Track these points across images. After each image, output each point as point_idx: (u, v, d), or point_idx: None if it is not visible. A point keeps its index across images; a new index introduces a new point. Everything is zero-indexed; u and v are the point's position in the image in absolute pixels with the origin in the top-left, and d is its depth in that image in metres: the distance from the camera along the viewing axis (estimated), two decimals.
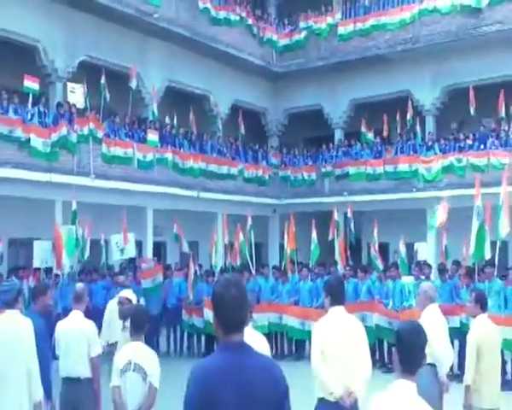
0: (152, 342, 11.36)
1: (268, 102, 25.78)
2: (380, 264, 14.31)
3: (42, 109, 15.89)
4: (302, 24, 24.75)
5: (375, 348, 12.70)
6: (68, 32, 17.59)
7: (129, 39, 19.26)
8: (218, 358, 2.83)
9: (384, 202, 20.73)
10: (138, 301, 8.05)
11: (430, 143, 20.81)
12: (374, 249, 14.85)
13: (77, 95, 16.67)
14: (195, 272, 14.90)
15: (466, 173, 19.07)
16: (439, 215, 13.58)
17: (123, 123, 18.43)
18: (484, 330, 6.06)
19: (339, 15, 23.93)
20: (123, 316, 6.71)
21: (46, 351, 6.08)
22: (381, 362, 12.64)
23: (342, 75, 23.48)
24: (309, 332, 11.18)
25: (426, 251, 16.55)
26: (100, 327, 7.69)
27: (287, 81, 25.12)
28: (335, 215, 16.74)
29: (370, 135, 22.47)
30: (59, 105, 16.54)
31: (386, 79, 22.44)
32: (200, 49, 21.41)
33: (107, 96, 17.32)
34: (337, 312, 5.12)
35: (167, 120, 20.60)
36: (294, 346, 14.14)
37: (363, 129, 22.37)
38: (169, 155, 18.98)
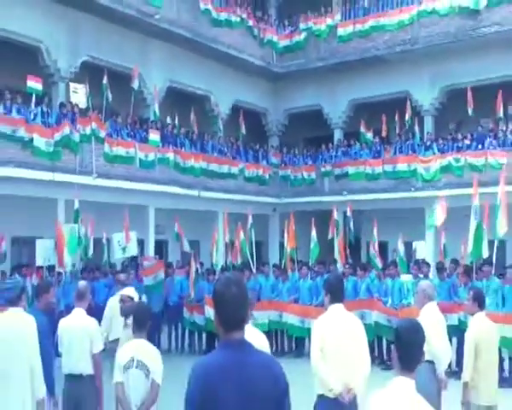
0: (153, 340, 11.36)
1: (268, 103, 25.78)
2: (379, 262, 14.30)
3: (45, 109, 15.89)
4: (302, 25, 24.74)
5: (374, 345, 12.71)
6: (71, 32, 17.60)
7: (130, 40, 19.27)
8: (218, 355, 2.83)
9: (383, 202, 20.73)
10: (140, 298, 8.03)
11: (428, 143, 20.80)
12: (373, 248, 14.85)
13: (79, 95, 16.70)
14: (197, 270, 14.90)
15: (464, 173, 19.07)
16: (439, 215, 13.57)
17: (125, 123, 18.44)
18: (482, 328, 6.06)
19: (338, 17, 23.93)
20: (124, 314, 6.71)
21: (49, 348, 6.08)
22: (379, 359, 12.63)
23: (342, 76, 23.48)
24: (309, 330, 11.16)
25: (424, 250, 16.53)
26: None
27: (287, 82, 25.12)
28: (335, 214, 16.73)
29: (369, 135, 22.47)
30: (62, 105, 16.55)
31: (385, 80, 22.44)
32: (201, 50, 21.41)
33: (110, 96, 17.33)
34: (336, 309, 5.12)
35: (169, 120, 20.60)
36: (294, 343, 14.14)
37: (363, 129, 22.37)
38: (170, 155, 18.99)
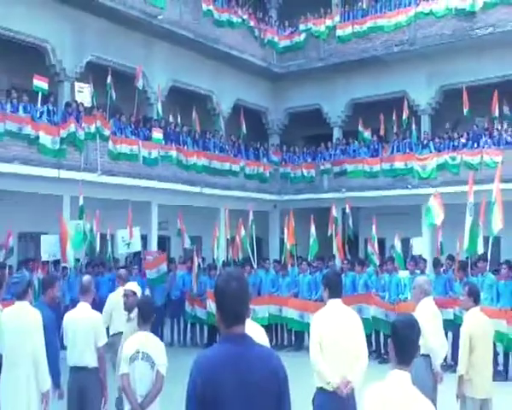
0: (156, 333, 11.29)
1: (269, 102, 25.76)
2: (376, 259, 14.31)
3: (51, 108, 15.92)
4: (302, 26, 24.73)
5: (372, 339, 12.74)
6: (76, 33, 17.58)
7: (134, 40, 19.25)
8: (220, 349, 2.84)
9: (381, 199, 20.73)
10: (143, 293, 8.03)
11: (425, 142, 20.80)
12: (371, 245, 14.84)
13: (84, 94, 16.68)
14: (199, 265, 14.92)
15: (460, 171, 19.06)
16: (437, 213, 13.55)
17: (129, 121, 18.44)
18: (476, 323, 6.07)
19: (337, 18, 23.91)
20: (128, 308, 6.72)
21: (54, 341, 6.10)
22: (377, 353, 12.66)
23: (341, 76, 23.46)
24: (308, 324, 11.14)
25: (421, 246, 16.55)
26: None
27: (287, 81, 25.11)
28: (334, 211, 16.73)
29: (367, 134, 22.46)
30: (67, 105, 16.57)
31: (383, 80, 22.43)
32: (203, 50, 21.39)
33: (114, 95, 17.32)
34: (335, 304, 5.12)
35: (171, 118, 20.61)
36: (294, 337, 14.16)
37: (361, 128, 22.36)
38: (173, 152, 18.99)
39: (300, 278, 14.17)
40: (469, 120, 20.05)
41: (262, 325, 11.21)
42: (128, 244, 14.75)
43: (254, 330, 4.20)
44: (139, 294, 6.85)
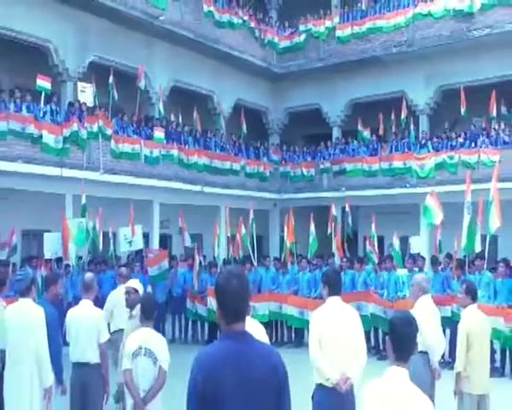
0: (158, 329, 11.30)
1: (269, 102, 25.76)
2: (375, 257, 14.30)
3: (54, 107, 15.93)
4: (302, 27, 24.71)
5: (371, 336, 12.75)
6: (79, 33, 17.58)
7: (136, 41, 19.23)
8: (221, 345, 2.84)
9: (379, 198, 20.73)
10: (145, 290, 8.04)
11: (423, 142, 20.79)
12: (369, 244, 14.85)
13: (87, 94, 16.68)
14: (200, 262, 14.93)
15: (458, 170, 19.06)
16: (436, 212, 13.55)
17: (131, 121, 18.44)
18: (474, 320, 6.07)
19: (337, 19, 23.89)
20: (129, 305, 6.72)
21: (57, 338, 6.11)
22: (375, 349, 12.67)
23: (340, 76, 23.46)
24: (307, 321, 11.15)
25: (419, 244, 16.54)
26: None
27: (287, 81, 25.10)
28: (333, 210, 16.73)
29: (367, 133, 22.46)
30: (70, 105, 16.58)
31: (381, 80, 22.42)
32: (204, 50, 21.38)
33: (116, 95, 17.32)
34: (334, 302, 5.13)
35: (173, 117, 20.61)
36: (294, 334, 14.17)
37: (360, 127, 22.36)
38: (174, 151, 18.99)
39: (300, 275, 14.18)
40: (467, 119, 20.05)
41: (262, 322, 11.22)
42: (130, 242, 14.76)
43: (254, 328, 4.20)
44: (141, 291, 6.86)
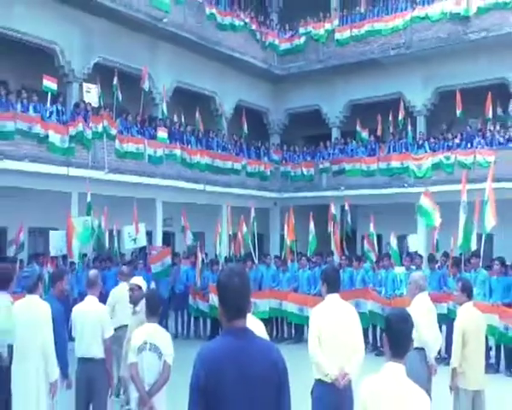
0: (161, 325, 11.36)
1: (270, 103, 25.76)
2: (373, 256, 14.29)
3: (59, 108, 15.96)
4: (302, 29, 24.72)
5: (369, 332, 12.74)
6: (84, 35, 17.60)
7: (140, 43, 19.24)
8: (222, 341, 2.85)
9: (377, 197, 20.74)
10: (148, 287, 8.04)
11: (421, 142, 20.79)
12: (367, 242, 14.84)
13: (92, 94, 16.69)
14: (202, 260, 14.93)
15: (454, 170, 19.06)
16: (434, 213, 13.54)
17: (135, 121, 18.47)
18: (469, 318, 6.07)
19: (336, 22, 23.89)
20: (133, 301, 6.73)
21: (63, 333, 6.12)
22: (373, 345, 12.67)
23: (339, 78, 23.46)
24: (307, 317, 11.17)
25: (416, 243, 16.54)
26: None
27: (287, 83, 25.10)
28: (332, 208, 16.73)
29: (365, 134, 22.45)
30: (76, 105, 16.61)
31: (380, 82, 22.42)
32: (206, 52, 21.39)
33: (120, 95, 17.33)
34: (333, 299, 5.13)
35: (176, 118, 20.63)
36: (294, 330, 14.17)
37: (359, 128, 22.35)
38: (177, 151, 19.01)
39: (300, 273, 14.17)
40: (463, 121, 20.05)
41: (263, 319, 11.21)
42: (134, 240, 14.76)
43: (254, 325, 4.21)
44: (144, 288, 6.87)
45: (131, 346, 5.30)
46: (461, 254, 12.49)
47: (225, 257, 16.25)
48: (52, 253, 13.75)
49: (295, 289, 14.00)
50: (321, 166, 22.81)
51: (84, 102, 16.66)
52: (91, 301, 6.32)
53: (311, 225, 15.73)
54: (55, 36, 16.83)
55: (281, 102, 25.70)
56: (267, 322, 12.90)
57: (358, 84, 23.00)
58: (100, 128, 16.37)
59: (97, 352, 6.14)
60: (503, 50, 19.53)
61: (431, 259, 12.86)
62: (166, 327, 14.01)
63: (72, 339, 6.39)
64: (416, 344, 5.76)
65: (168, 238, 20.33)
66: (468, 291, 6.22)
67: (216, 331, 13.37)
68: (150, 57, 19.61)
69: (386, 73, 22.24)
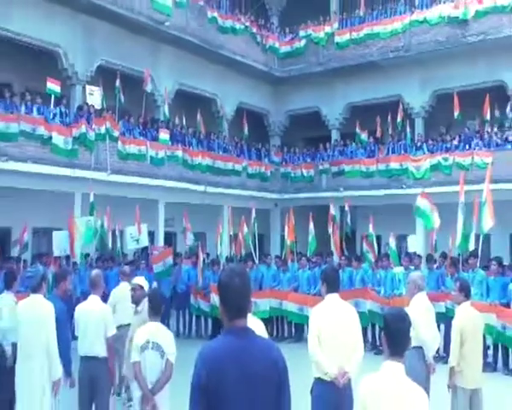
0: (163, 324, 11.38)
1: (270, 105, 25.76)
2: (371, 257, 14.28)
3: (63, 110, 15.98)
4: (302, 33, 24.71)
5: (368, 331, 12.74)
6: (87, 38, 17.60)
7: (142, 45, 19.25)
8: (224, 341, 2.85)
9: (376, 198, 20.73)
10: (150, 287, 8.05)
11: (419, 144, 20.78)
12: (366, 243, 14.83)
13: (95, 97, 16.70)
14: (203, 260, 14.93)
15: (452, 172, 19.04)
16: (432, 215, 13.54)
17: (137, 123, 18.48)
18: (467, 317, 6.07)
19: (336, 25, 23.90)
20: (135, 301, 6.74)
21: (66, 332, 6.13)
22: (372, 344, 12.67)
23: (339, 80, 23.45)
24: (307, 317, 11.18)
25: (415, 243, 16.55)
26: None
27: (287, 85, 25.09)
28: (332, 209, 16.73)
29: (364, 136, 22.44)
30: (79, 108, 16.63)
31: (379, 84, 22.42)
32: (208, 55, 21.39)
33: (122, 98, 17.34)
34: (332, 299, 5.13)
35: (177, 120, 20.63)
36: (294, 329, 14.17)
37: (358, 130, 22.33)
38: (179, 153, 19.01)
39: (300, 273, 14.18)
40: (461, 123, 20.05)
41: (263, 318, 11.21)
42: (137, 240, 14.77)
43: (254, 324, 4.21)
44: (146, 288, 6.87)
45: (134, 345, 5.31)
46: (459, 255, 12.49)
47: (226, 257, 16.26)
48: (55, 253, 13.76)
49: (295, 288, 14.00)
50: (321, 167, 22.81)
51: (87, 104, 16.67)
52: (94, 300, 6.33)
53: (311, 225, 15.74)
54: (59, 39, 16.84)
55: (281, 105, 25.70)
56: (268, 321, 12.91)
57: (358, 87, 22.99)
58: (103, 130, 16.37)
59: (100, 351, 6.15)
60: (501, 53, 19.52)
61: (429, 259, 12.87)
62: (168, 326, 13.97)
63: (75, 338, 6.39)
64: (414, 343, 5.79)
65: (170, 238, 20.34)
66: (465, 291, 6.22)
67: (217, 331, 13.35)
68: (152, 60, 19.61)
69: (385, 76, 22.24)
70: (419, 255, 13.55)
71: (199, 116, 20.78)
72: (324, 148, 23.49)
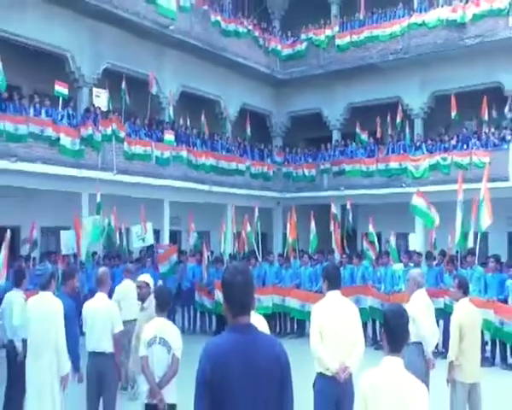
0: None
1: (272, 106, 25.75)
2: (372, 255, 14.27)
3: (70, 112, 16.00)
4: (303, 36, 24.70)
5: (369, 327, 12.74)
6: (94, 42, 17.61)
7: (147, 49, 19.24)
8: (228, 337, 2.85)
9: (377, 196, 20.71)
10: (155, 284, 8.06)
11: (418, 144, 20.75)
12: (366, 242, 14.82)
13: (101, 99, 16.71)
14: (208, 257, 14.95)
15: (450, 171, 19.00)
16: (429, 212, 13.52)
17: (142, 124, 18.49)
18: (466, 313, 6.07)
19: (336, 28, 23.87)
20: (141, 298, 6.75)
21: (75, 328, 6.14)
22: (373, 340, 12.66)
23: (339, 82, 23.43)
24: (309, 313, 11.07)
25: (415, 241, 16.53)
26: None
27: (289, 87, 25.07)
28: (333, 208, 16.72)
29: (364, 136, 22.42)
30: (87, 110, 16.64)
31: (378, 86, 22.39)
32: (211, 58, 21.38)
33: (127, 99, 17.35)
34: (333, 295, 5.12)
35: (182, 121, 20.64)
36: (296, 325, 14.16)
37: (358, 130, 22.31)
38: (184, 153, 19.01)
39: (302, 270, 14.17)
40: (459, 123, 20.02)
41: (266, 314, 11.20)
42: (143, 239, 14.79)
43: (256, 321, 4.21)
44: (151, 285, 6.88)
45: (142, 340, 5.32)
46: (457, 252, 12.48)
47: (230, 255, 16.27)
48: (63, 251, 13.79)
49: (297, 285, 13.99)
50: (322, 167, 22.79)
51: (93, 106, 16.69)
52: (101, 297, 6.34)
53: (313, 223, 15.74)
54: (67, 43, 16.85)
55: (283, 106, 25.69)
56: (270, 317, 12.90)
57: (358, 88, 22.96)
58: (109, 131, 16.38)
59: (107, 346, 6.16)
60: (498, 55, 19.49)
61: (428, 256, 12.86)
62: (173, 322, 13.98)
63: (82, 334, 6.40)
64: (414, 339, 5.79)
65: (175, 236, 20.35)
66: (464, 288, 6.22)
67: (221, 327, 13.37)
68: (157, 63, 19.62)
69: (385, 78, 22.20)
70: (419, 253, 13.53)
71: (203, 117, 20.79)
72: (325, 148, 23.46)
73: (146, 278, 7.01)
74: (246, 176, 22.06)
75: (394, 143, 21.51)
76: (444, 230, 13.62)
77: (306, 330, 12.90)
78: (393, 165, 20.68)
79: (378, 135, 21.80)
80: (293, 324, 14.30)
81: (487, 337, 11.00)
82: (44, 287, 5.77)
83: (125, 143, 16.94)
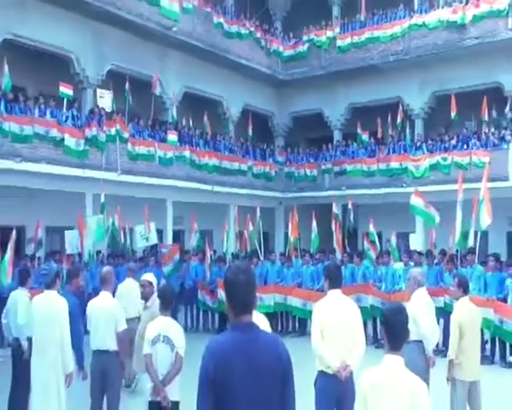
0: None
1: (274, 107, 25.74)
2: (373, 254, 14.26)
3: (75, 113, 16.02)
4: (305, 37, 24.66)
5: (370, 326, 12.73)
6: (98, 44, 17.63)
7: (150, 50, 19.26)
8: (230, 335, 2.85)
9: (377, 196, 20.69)
10: (159, 283, 8.08)
11: (419, 144, 20.73)
12: (367, 241, 14.81)
13: (105, 100, 16.72)
14: (210, 256, 14.97)
15: (450, 171, 18.98)
16: (428, 211, 13.51)
17: (146, 125, 18.50)
18: (466, 311, 6.06)
19: (337, 29, 23.85)
20: (144, 297, 6.75)
21: (79, 327, 6.16)
22: (374, 338, 12.66)
23: (340, 83, 23.41)
24: (310, 312, 11.10)
25: (415, 241, 16.53)
26: None
27: (291, 88, 25.06)
28: (334, 207, 16.72)
29: (365, 136, 22.39)
30: (91, 112, 16.67)
31: (379, 86, 22.37)
32: (214, 59, 21.38)
33: (130, 100, 17.36)
34: (335, 294, 5.13)
35: (185, 122, 20.64)
36: (297, 323, 14.17)
37: (359, 131, 22.29)
38: (187, 153, 19.03)
39: (303, 269, 14.18)
40: (459, 123, 20.00)
41: (268, 313, 11.19)
42: (147, 238, 14.81)
43: (258, 319, 4.21)
44: (155, 284, 6.89)
45: (146, 338, 5.34)
46: (457, 251, 12.47)
47: (232, 254, 16.27)
48: (68, 251, 13.81)
49: (299, 284, 14.00)
50: (323, 167, 22.78)
51: (98, 107, 16.71)
52: (105, 296, 6.35)
53: (314, 223, 15.73)
54: (71, 45, 16.88)
55: (285, 106, 25.68)
56: (272, 316, 12.90)
57: (359, 89, 22.94)
58: (113, 132, 16.39)
59: (111, 344, 6.17)
60: (498, 56, 19.46)
61: (429, 256, 12.85)
62: (176, 321, 14.03)
63: (87, 332, 6.41)
64: (414, 337, 5.78)
65: (178, 236, 20.36)
66: (464, 286, 6.21)
67: (223, 325, 13.38)
68: (160, 64, 19.63)
69: (386, 78, 22.18)
70: (419, 252, 13.53)
71: (205, 118, 20.80)
72: (327, 148, 23.44)
73: (149, 276, 7.02)
74: (248, 176, 22.06)
75: (395, 143, 21.49)
76: (444, 229, 13.60)
77: (308, 328, 12.90)
78: (394, 165, 20.66)
79: (379, 135, 21.77)
80: (294, 322, 14.31)
81: (487, 336, 10.99)
82: (49, 286, 5.79)
83: (129, 144, 16.96)
